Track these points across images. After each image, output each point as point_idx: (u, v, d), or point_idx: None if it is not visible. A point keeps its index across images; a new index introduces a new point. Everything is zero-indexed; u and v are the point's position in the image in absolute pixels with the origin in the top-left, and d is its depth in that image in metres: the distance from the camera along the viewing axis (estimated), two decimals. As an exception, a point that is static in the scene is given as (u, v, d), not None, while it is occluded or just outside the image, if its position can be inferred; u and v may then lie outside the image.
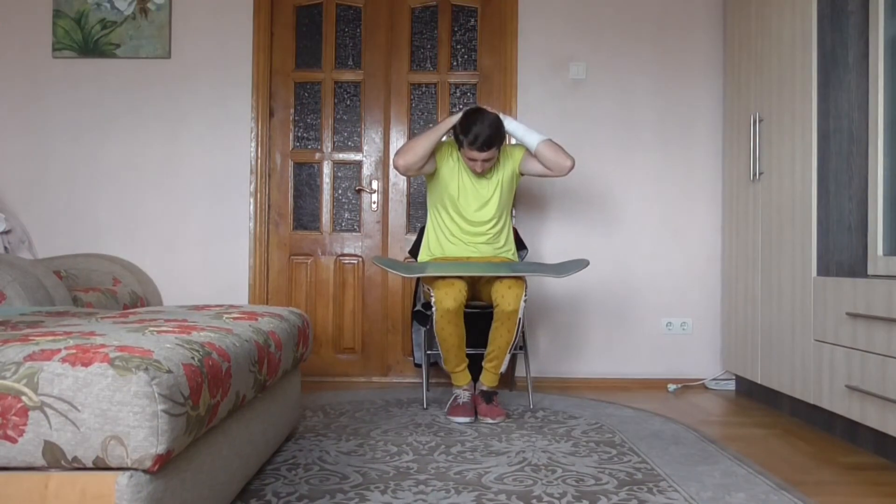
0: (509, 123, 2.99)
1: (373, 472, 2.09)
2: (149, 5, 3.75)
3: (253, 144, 3.77)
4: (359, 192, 3.84)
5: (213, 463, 1.55)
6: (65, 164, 3.78)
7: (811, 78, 2.75)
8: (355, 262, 3.83)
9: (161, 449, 1.22)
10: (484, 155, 2.89)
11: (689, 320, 3.77)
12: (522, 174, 3.11)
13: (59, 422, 1.21)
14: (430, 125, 3.66)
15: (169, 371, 1.27)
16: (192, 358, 1.38)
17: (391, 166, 3.79)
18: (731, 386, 3.67)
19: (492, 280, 2.85)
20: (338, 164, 3.86)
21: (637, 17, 3.78)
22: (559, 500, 1.87)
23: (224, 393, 1.50)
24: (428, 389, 3.13)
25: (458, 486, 1.97)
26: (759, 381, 3.20)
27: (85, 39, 3.76)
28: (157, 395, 1.22)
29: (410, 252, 3.39)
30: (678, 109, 3.78)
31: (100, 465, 1.23)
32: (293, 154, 3.85)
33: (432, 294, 2.79)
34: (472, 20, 3.85)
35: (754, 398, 3.39)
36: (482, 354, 2.95)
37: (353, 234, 3.84)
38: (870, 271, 2.53)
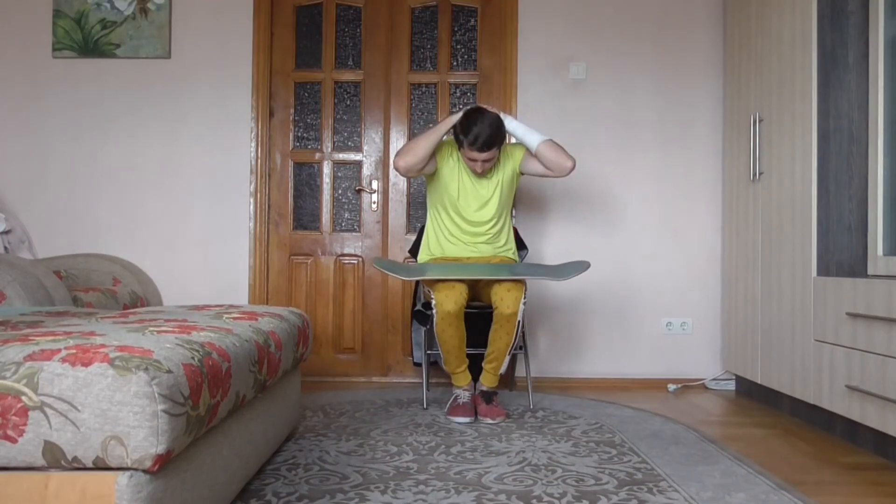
0: (510, 123, 2.99)
1: (373, 472, 2.09)
2: (149, 5, 3.75)
3: (253, 144, 3.77)
4: (359, 192, 3.84)
5: (213, 463, 1.55)
6: (65, 164, 3.78)
7: (811, 78, 2.75)
8: (355, 262, 3.83)
9: (161, 449, 1.22)
10: (484, 155, 2.88)
11: (689, 320, 3.77)
12: (523, 174, 3.10)
13: (59, 422, 1.21)
14: (430, 125, 3.66)
15: (169, 371, 1.27)
16: (192, 358, 1.38)
17: (391, 166, 3.79)
18: (731, 386, 3.67)
19: (491, 282, 2.85)
20: (338, 164, 3.86)
21: (637, 17, 3.78)
22: (559, 500, 1.87)
23: (224, 393, 1.50)
24: (428, 389, 3.13)
25: (458, 486, 1.97)
26: (759, 381, 3.20)
27: (85, 39, 3.76)
28: (157, 395, 1.22)
29: (410, 252, 3.39)
30: (678, 109, 3.78)
31: (100, 465, 1.23)
32: (293, 154, 3.85)
33: (433, 295, 2.79)
34: (472, 20, 3.85)
35: (754, 398, 3.39)
36: (482, 354, 2.95)
37: (353, 234, 3.84)
38: (870, 271, 2.53)
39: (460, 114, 2.95)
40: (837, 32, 2.71)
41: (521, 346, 3.15)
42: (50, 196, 3.77)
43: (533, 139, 2.96)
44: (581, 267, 2.80)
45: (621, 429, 2.69)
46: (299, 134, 3.86)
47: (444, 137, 3.01)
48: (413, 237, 3.69)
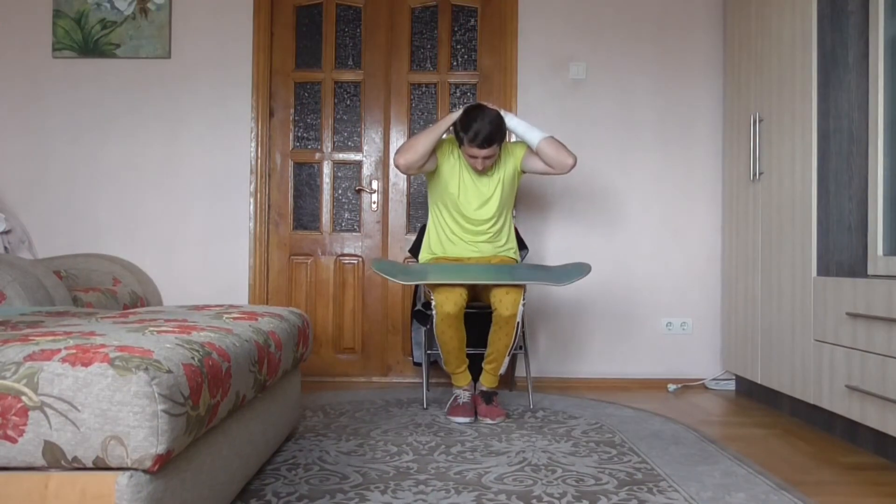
0: (510, 120, 2.98)
1: (373, 472, 2.09)
2: (149, 5, 3.75)
3: (253, 144, 3.77)
4: (359, 192, 3.84)
5: (213, 463, 1.55)
6: (65, 164, 3.78)
7: (811, 78, 2.75)
8: (355, 262, 3.83)
9: (161, 449, 1.22)
10: (485, 152, 2.88)
11: (689, 320, 3.77)
12: (524, 172, 3.10)
13: (59, 422, 1.21)
14: (431, 124, 3.66)
15: (169, 371, 1.27)
16: (192, 358, 1.38)
17: (391, 166, 3.80)
18: (731, 386, 3.67)
19: (491, 286, 2.84)
20: (338, 164, 3.86)
21: (637, 17, 3.78)
22: (559, 500, 1.87)
23: (224, 393, 1.50)
24: (428, 389, 3.13)
25: (458, 486, 1.97)
26: (759, 381, 3.20)
27: (85, 39, 3.76)
28: (157, 395, 1.22)
29: (410, 251, 3.38)
30: (678, 109, 3.78)
31: (100, 465, 1.23)
32: (293, 154, 3.85)
33: (432, 297, 2.79)
34: (472, 20, 3.85)
35: (754, 398, 3.38)
36: (482, 355, 2.95)
37: (353, 234, 3.84)
38: (870, 271, 2.53)
39: (460, 111, 2.95)
40: (837, 32, 2.71)
41: (521, 347, 3.15)
42: (50, 196, 3.77)
43: (534, 136, 2.96)
44: (582, 271, 2.80)
45: (621, 429, 2.69)
46: (299, 134, 3.86)
47: (445, 136, 3.00)
48: (413, 237, 3.69)
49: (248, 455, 1.83)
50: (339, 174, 3.86)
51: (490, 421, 2.79)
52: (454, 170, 3.02)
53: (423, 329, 3.15)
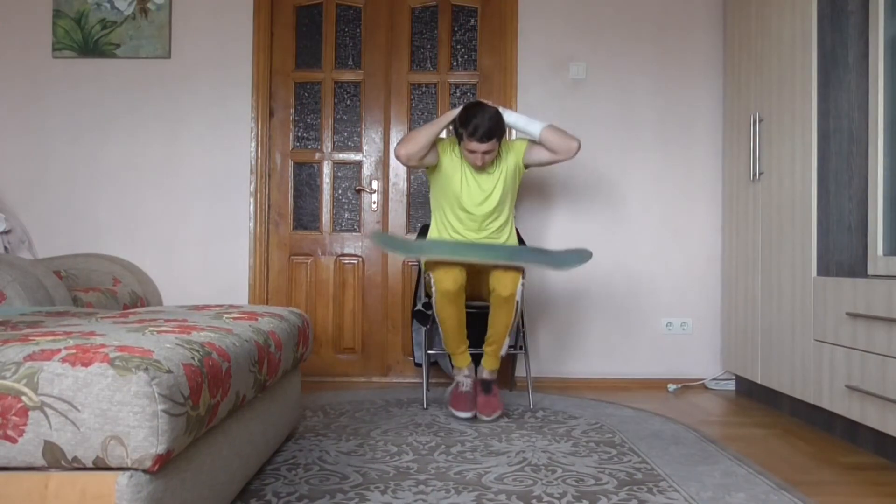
0: (509, 116, 2.99)
1: (373, 472, 2.09)
2: (149, 5, 3.75)
3: (253, 144, 3.77)
4: (359, 192, 3.84)
5: (213, 463, 1.55)
6: (65, 164, 3.78)
7: (811, 78, 2.75)
8: (355, 262, 3.83)
9: (161, 449, 1.22)
10: (484, 147, 2.88)
11: (689, 320, 3.77)
12: (527, 166, 3.09)
13: (59, 422, 1.21)
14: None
15: (169, 371, 1.27)
16: (192, 358, 1.38)
17: (391, 166, 3.80)
18: (731, 386, 3.67)
19: (489, 267, 2.86)
20: (338, 164, 3.86)
21: (637, 17, 3.78)
22: (559, 500, 1.87)
23: (224, 393, 1.50)
24: (428, 389, 3.13)
25: (458, 486, 1.97)
26: (759, 381, 3.20)
27: (85, 39, 3.76)
28: (157, 395, 1.22)
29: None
30: (678, 109, 3.78)
31: (100, 465, 1.23)
32: (293, 154, 3.85)
33: (432, 277, 2.81)
34: (472, 20, 3.85)
35: (754, 398, 3.38)
36: (482, 355, 2.96)
37: (353, 234, 3.84)
38: (870, 271, 2.53)
39: (460, 108, 2.97)
40: (837, 32, 2.71)
41: (521, 346, 3.16)
42: (50, 196, 3.77)
43: (534, 127, 2.99)
44: (583, 257, 2.80)
45: (621, 429, 2.69)
46: (299, 134, 3.86)
47: (444, 133, 3.02)
48: (413, 237, 3.69)
49: (248, 455, 1.83)
50: (339, 174, 3.86)
51: (487, 418, 2.80)
52: (456, 166, 3.02)
53: (424, 329, 3.15)
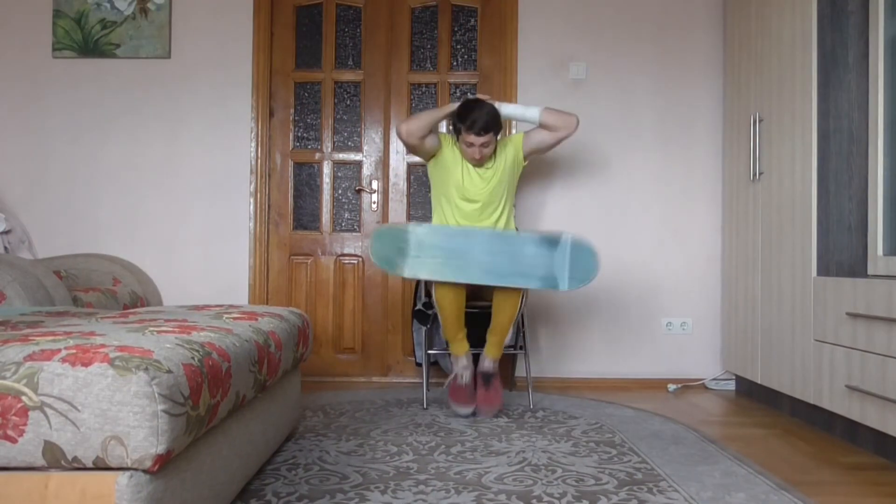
0: (505, 108, 3.05)
1: (373, 472, 2.09)
2: (149, 5, 3.75)
3: (253, 144, 3.77)
4: (359, 192, 3.84)
5: (213, 463, 1.55)
6: (65, 164, 3.78)
7: (811, 78, 2.75)
8: (355, 262, 3.83)
9: (161, 449, 1.22)
10: (482, 139, 2.92)
11: (689, 320, 3.77)
12: (527, 156, 3.13)
13: (59, 422, 1.21)
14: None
15: (169, 371, 1.27)
16: (192, 358, 1.38)
17: (391, 166, 3.80)
18: (731, 386, 3.67)
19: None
20: (338, 164, 3.86)
21: (637, 17, 3.78)
22: (559, 500, 1.87)
23: (224, 393, 1.50)
24: (428, 389, 3.13)
25: (458, 486, 1.97)
26: (759, 381, 3.20)
27: (85, 39, 3.76)
28: (157, 395, 1.22)
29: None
30: (678, 109, 3.78)
31: (100, 465, 1.23)
32: (293, 154, 3.85)
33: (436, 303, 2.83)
34: (472, 20, 3.85)
35: (754, 398, 3.38)
36: (482, 353, 2.96)
37: (353, 234, 3.84)
38: (870, 271, 2.53)
39: (458, 103, 3.04)
40: (837, 32, 2.71)
41: (521, 346, 3.16)
42: (50, 196, 3.77)
43: (532, 113, 3.06)
44: (590, 274, 2.81)
45: (621, 429, 2.69)
46: (299, 134, 3.86)
47: (443, 126, 3.05)
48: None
49: (248, 455, 1.83)
50: (339, 174, 3.86)
51: (485, 414, 2.81)
52: (457, 159, 3.08)
53: (424, 329, 3.15)
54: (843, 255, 2.70)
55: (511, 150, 3.09)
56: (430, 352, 3.17)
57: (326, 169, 3.84)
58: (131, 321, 1.72)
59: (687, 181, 3.78)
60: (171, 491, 1.33)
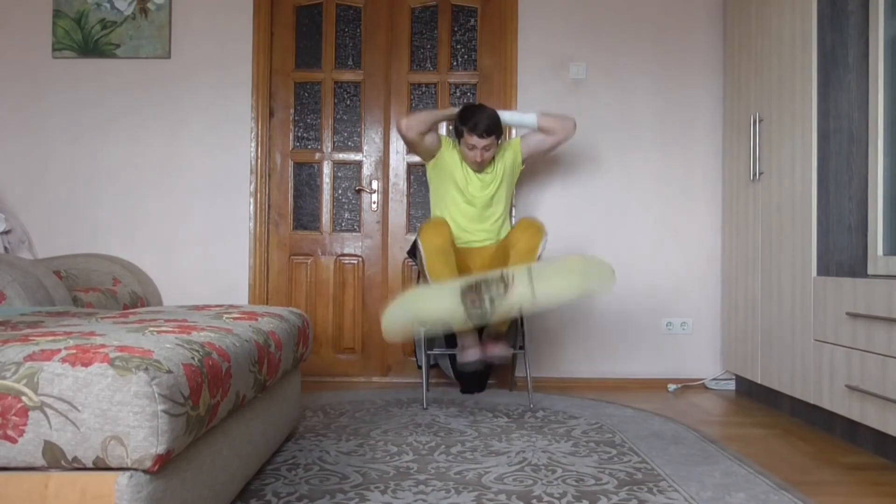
0: (503, 114, 3.12)
1: (373, 472, 2.09)
2: (149, 5, 3.75)
3: (253, 144, 3.77)
4: (359, 192, 3.84)
5: (213, 463, 1.55)
6: (65, 164, 3.78)
7: (811, 78, 2.75)
8: (355, 262, 3.83)
9: (161, 449, 1.22)
10: (484, 142, 2.97)
11: (689, 320, 3.77)
12: (525, 160, 3.19)
13: (59, 422, 1.21)
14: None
15: (169, 371, 1.27)
16: (192, 358, 1.38)
17: (391, 166, 3.80)
18: (731, 386, 3.67)
19: (504, 247, 2.94)
20: (338, 164, 3.86)
21: (637, 17, 3.78)
22: (559, 500, 1.87)
23: (224, 393, 1.50)
24: (428, 389, 3.13)
25: (458, 486, 1.97)
26: (759, 381, 3.20)
27: (85, 39, 3.76)
28: (157, 395, 1.22)
29: (409, 253, 3.38)
30: (678, 109, 3.78)
31: (100, 466, 1.23)
32: (293, 154, 3.85)
33: (419, 241, 2.86)
34: (472, 20, 3.85)
35: (754, 398, 3.38)
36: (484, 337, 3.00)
37: (353, 234, 3.84)
38: (870, 271, 2.53)
39: (460, 107, 3.10)
40: (837, 32, 2.71)
41: (521, 346, 3.16)
42: (50, 196, 3.77)
43: (530, 118, 3.13)
44: (606, 284, 2.78)
45: (621, 429, 2.69)
46: (299, 134, 3.86)
47: (445, 133, 3.09)
48: (413, 237, 3.69)
49: (248, 455, 1.83)
50: (339, 174, 3.86)
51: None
52: (456, 161, 3.12)
53: (423, 330, 3.14)
54: (843, 254, 2.70)
55: (510, 155, 3.15)
56: (429, 352, 3.17)
57: (326, 169, 3.84)
58: (131, 321, 1.72)
59: (687, 181, 3.78)
60: (171, 491, 1.33)
